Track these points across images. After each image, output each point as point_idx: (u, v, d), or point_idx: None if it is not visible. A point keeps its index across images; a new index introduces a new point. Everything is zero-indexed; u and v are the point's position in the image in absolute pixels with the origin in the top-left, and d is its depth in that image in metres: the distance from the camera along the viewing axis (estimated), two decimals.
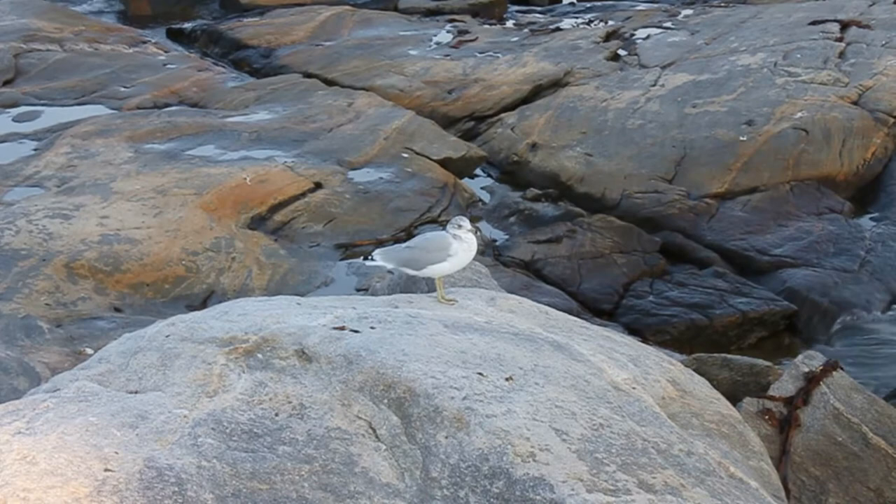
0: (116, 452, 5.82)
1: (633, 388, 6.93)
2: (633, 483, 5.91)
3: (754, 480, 6.57)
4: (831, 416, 9.06)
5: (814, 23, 23.57)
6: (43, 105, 20.75)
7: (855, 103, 19.60)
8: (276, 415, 6.30)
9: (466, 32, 25.66)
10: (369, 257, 8.01)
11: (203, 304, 13.31)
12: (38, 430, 6.01)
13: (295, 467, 5.93)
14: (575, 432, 6.23)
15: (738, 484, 6.35)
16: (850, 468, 8.81)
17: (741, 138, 18.50)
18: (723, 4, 27.76)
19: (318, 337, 6.93)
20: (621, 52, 23.73)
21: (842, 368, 9.67)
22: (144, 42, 25.23)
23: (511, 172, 18.99)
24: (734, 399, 8.73)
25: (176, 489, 5.63)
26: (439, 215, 16.51)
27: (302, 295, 10.38)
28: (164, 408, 6.27)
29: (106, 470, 5.71)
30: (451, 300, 7.88)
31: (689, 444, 6.46)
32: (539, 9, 29.40)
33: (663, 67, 22.00)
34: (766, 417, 9.05)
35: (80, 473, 5.66)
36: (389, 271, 9.58)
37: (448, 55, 23.72)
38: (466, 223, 7.74)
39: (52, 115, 20.07)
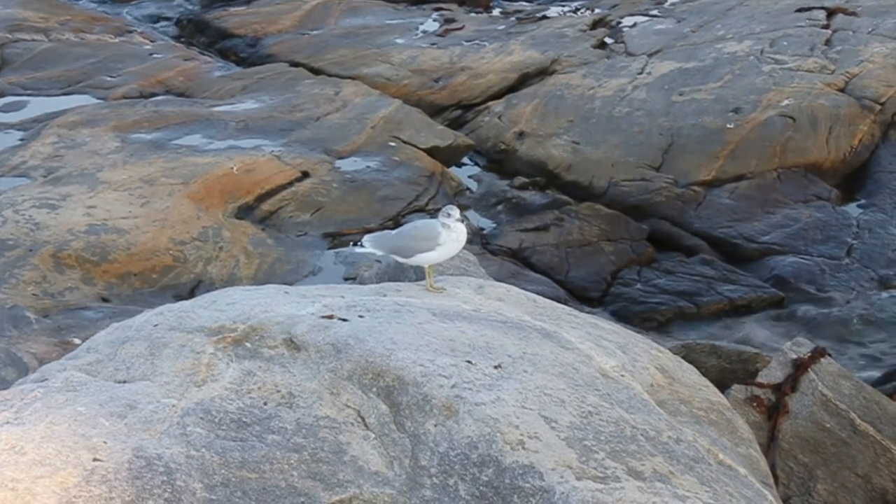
0: (105, 442, 5.82)
1: (622, 375, 6.94)
2: (622, 470, 5.91)
3: (743, 467, 6.59)
4: (819, 402, 9.08)
5: (800, 10, 23.56)
6: (29, 95, 20.69)
7: (842, 90, 19.61)
8: (265, 404, 6.30)
9: (453, 21, 25.61)
10: (358, 243, 8.01)
11: (191, 294, 13.29)
12: (26, 420, 6.00)
13: (284, 456, 5.93)
14: (564, 420, 6.23)
15: (726, 471, 6.36)
16: (838, 455, 8.84)
17: (728, 126, 18.51)
18: None
19: (307, 326, 6.92)
20: (608, 40, 23.70)
21: (829, 355, 9.70)
22: (130, 31, 25.16)
23: (498, 161, 18.98)
24: (722, 386, 8.75)
25: (165, 478, 5.63)
26: (426, 204, 16.50)
27: (290, 284, 10.38)
28: (152, 397, 6.27)
29: (94, 459, 5.70)
30: (439, 288, 7.88)
31: (677, 431, 6.46)
32: None
33: (650, 55, 21.99)
34: (755, 404, 9.07)
35: (68, 463, 5.65)
36: (378, 259, 9.60)
37: (435, 44, 23.68)
38: (455, 212, 7.74)
39: (39, 105, 20.01)
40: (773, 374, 9.38)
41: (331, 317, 7.07)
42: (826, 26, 22.48)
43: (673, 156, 18.02)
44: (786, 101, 19.12)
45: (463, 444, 6.00)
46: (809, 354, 9.50)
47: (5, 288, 13.09)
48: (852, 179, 18.05)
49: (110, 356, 6.90)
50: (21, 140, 17.95)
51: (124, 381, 6.57)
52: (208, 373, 6.55)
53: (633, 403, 6.58)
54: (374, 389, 6.39)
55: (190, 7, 28.07)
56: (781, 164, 17.81)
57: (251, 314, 7.18)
